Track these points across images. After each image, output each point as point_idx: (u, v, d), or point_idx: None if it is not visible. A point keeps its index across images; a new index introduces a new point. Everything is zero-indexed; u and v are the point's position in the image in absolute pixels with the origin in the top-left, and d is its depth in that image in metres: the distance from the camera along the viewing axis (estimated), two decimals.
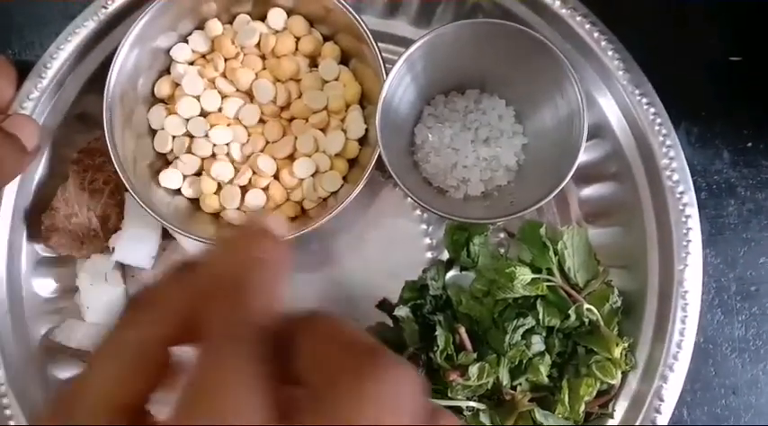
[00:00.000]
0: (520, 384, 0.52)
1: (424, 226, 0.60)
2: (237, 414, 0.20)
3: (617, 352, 0.51)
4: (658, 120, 0.53)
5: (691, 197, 0.52)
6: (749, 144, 0.59)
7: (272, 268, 0.24)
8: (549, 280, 0.54)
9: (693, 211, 0.52)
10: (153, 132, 0.56)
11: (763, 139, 0.59)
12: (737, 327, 0.58)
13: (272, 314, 0.23)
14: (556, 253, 0.55)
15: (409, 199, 0.59)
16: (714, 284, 0.58)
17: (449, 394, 0.52)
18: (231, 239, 0.26)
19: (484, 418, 0.51)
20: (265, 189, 0.54)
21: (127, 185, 0.51)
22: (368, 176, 0.51)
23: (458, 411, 0.52)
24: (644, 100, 0.53)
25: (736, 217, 0.59)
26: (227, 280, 0.23)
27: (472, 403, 0.51)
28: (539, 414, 0.51)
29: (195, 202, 0.56)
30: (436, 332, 0.53)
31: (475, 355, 0.52)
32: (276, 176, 0.54)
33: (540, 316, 0.53)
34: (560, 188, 0.49)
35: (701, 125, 0.59)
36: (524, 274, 0.53)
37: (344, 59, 0.57)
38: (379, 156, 0.50)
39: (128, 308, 0.25)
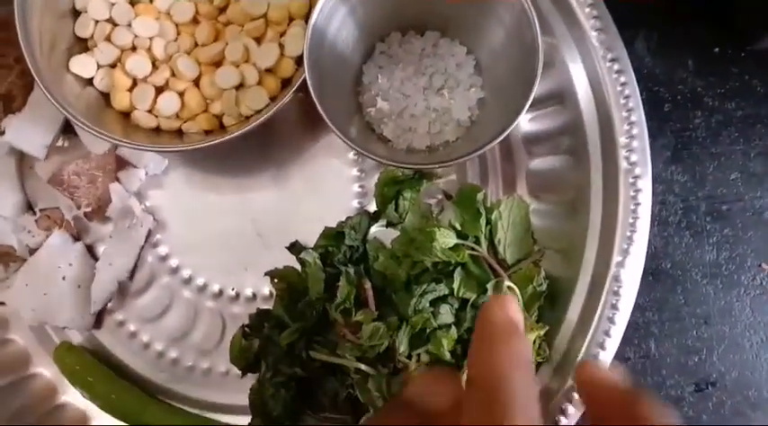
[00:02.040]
0: (419, 355, 0.47)
1: (357, 172, 0.54)
2: None
3: (530, 340, 0.46)
4: (626, 92, 0.47)
5: (646, 183, 0.46)
6: (716, 49, 0.53)
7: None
8: (473, 249, 0.48)
9: (646, 198, 0.46)
10: (76, 14, 0.50)
11: (730, 44, 0.53)
12: (708, 251, 0.53)
13: None
14: (488, 223, 0.50)
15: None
16: (681, 204, 0.53)
17: (336, 351, 0.46)
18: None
19: (372, 383, 0.46)
20: (182, 94, 0.49)
21: (30, 65, 0.46)
22: (292, 93, 0.45)
23: (344, 371, 0.47)
24: (615, 66, 0.47)
25: (703, 129, 0.53)
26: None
27: (361, 366, 0.46)
28: None
29: (107, 98, 0.50)
30: (340, 281, 0.48)
31: (375, 315, 0.47)
32: (197, 83, 0.49)
33: (456, 286, 0.47)
34: (504, 135, 0.43)
35: (662, 31, 0.53)
36: (447, 238, 0.47)
37: None
38: None
39: None
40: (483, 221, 0.49)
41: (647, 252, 0.47)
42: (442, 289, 0.47)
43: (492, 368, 0.27)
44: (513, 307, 0.30)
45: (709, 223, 0.53)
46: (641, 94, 0.47)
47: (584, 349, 0.46)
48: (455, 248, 0.48)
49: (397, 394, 0.30)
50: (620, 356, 0.51)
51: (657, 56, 0.53)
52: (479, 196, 0.49)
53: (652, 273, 0.53)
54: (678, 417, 0.27)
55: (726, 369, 0.52)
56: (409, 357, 0.47)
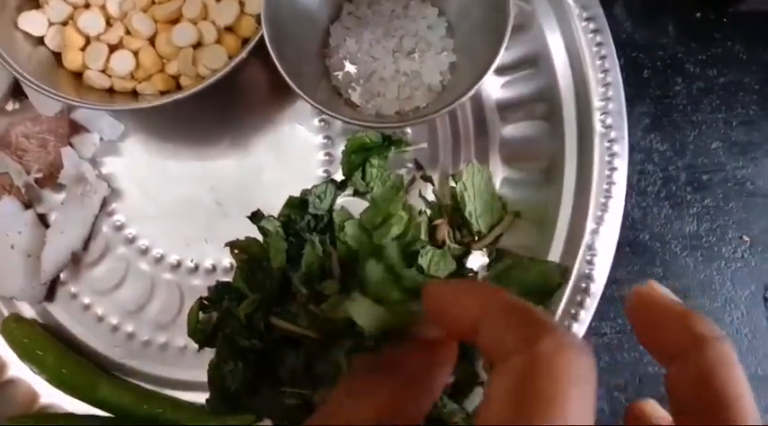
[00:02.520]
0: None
1: (323, 139, 0.52)
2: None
3: None
4: (602, 52, 0.45)
5: (622, 147, 0.44)
6: (697, 14, 0.52)
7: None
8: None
9: (622, 163, 0.44)
10: None
11: (712, 9, 0.51)
12: (688, 222, 0.51)
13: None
14: (455, 197, 0.48)
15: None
16: (661, 174, 0.51)
17: (298, 320, 0.44)
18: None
19: (332, 356, 0.44)
20: (136, 53, 0.46)
21: None
22: (249, 50, 0.43)
23: (303, 344, 0.45)
24: (591, 25, 0.45)
25: (684, 96, 0.51)
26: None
27: (318, 337, 0.44)
28: None
29: (59, 58, 0.48)
30: (305, 250, 0.46)
31: (339, 287, 0.45)
32: (152, 41, 0.46)
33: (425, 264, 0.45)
34: (474, 89, 0.41)
35: None
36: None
37: None
38: None
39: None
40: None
41: (625, 224, 0.45)
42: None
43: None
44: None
45: (689, 193, 0.51)
46: (620, 60, 0.45)
47: (556, 318, 0.44)
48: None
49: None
50: (596, 331, 0.49)
51: (637, 20, 0.51)
52: None
53: (630, 245, 0.51)
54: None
55: None
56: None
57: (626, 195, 0.45)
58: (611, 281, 0.45)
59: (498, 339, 0.22)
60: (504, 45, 0.41)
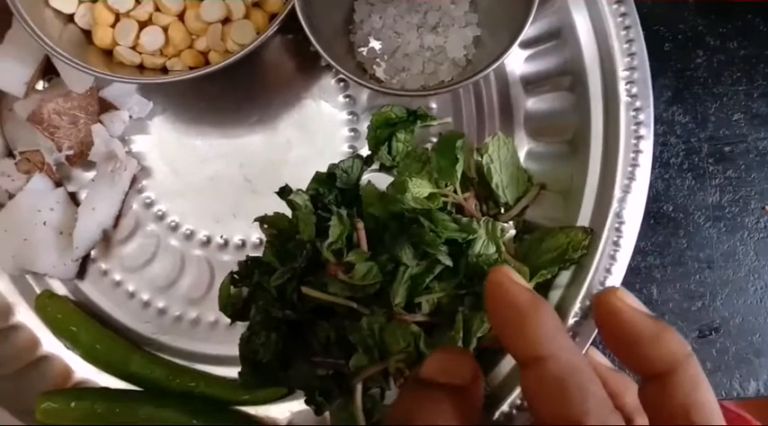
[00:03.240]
0: (419, 305, 0.45)
1: (348, 115, 0.52)
2: None
3: None
4: (626, 22, 0.45)
5: (648, 115, 0.45)
6: None
7: None
8: (446, 196, 0.46)
9: (648, 132, 0.45)
10: None
11: None
12: (711, 193, 0.51)
13: None
14: (480, 170, 0.48)
15: (336, 81, 0.53)
16: (683, 146, 0.51)
17: (329, 289, 0.45)
18: None
19: (364, 323, 0.44)
20: (166, 29, 0.47)
21: (7, 1, 0.44)
22: (278, 24, 0.44)
23: (335, 314, 0.45)
24: None
25: (705, 69, 0.51)
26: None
27: (354, 304, 0.44)
28: (423, 343, 0.44)
29: (89, 36, 0.48)
30: (331, 221, 0.46)
31: (368, 255, 0.45)
32: (181, 17, 0.47)
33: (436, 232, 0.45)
34: (500, 61, 0.42)
35: None
36: (420, 187, 0.46)
37: None
38: None
39: None
40: (459, 168, 0.47)
41: (649, 195, 0.45)
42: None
43: (540, 348, 0.25)
44: (515, 276, 0.30)
45: (711, 165, 0.51)
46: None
47: (585, 287, 0.44)
48: (431, 197, 0.46)
49: (414, 374, 0.29)
50: None
51: None
52: (459, 143, 0.47)
53: (654, 216, 0.51)
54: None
55: (729, 315, 0.51)
56: (407, 308, 0.45)
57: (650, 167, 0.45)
58: (636, 252, 0.45)
59: (543, 397, 0.25)
60: (531, 18, 0.41)
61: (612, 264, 0.44)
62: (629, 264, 0.45)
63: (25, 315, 0.51)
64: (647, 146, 0.45)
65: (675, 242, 0.51)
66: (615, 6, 0.46)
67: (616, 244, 0.44)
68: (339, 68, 0.43)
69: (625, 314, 0.28)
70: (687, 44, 0.52)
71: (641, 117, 0.45)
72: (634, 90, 0.45)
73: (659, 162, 0.51)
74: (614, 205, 0.45)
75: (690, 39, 0.52)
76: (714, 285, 0.51)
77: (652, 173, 0.46)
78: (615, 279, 0.45)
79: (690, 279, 0.51)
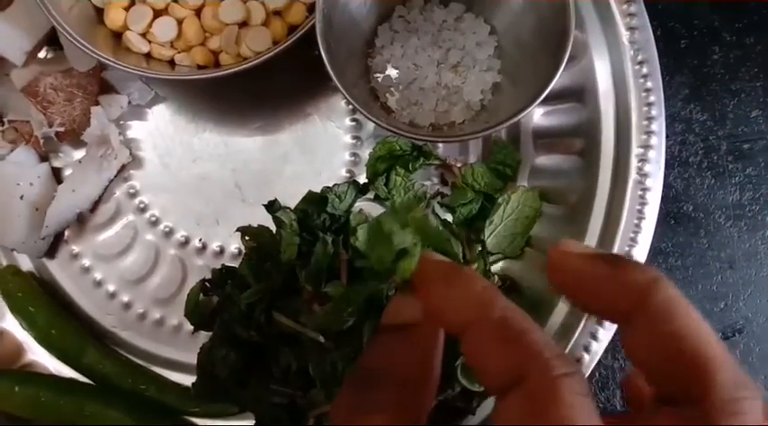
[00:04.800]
0: None
1: (352, 140, 0.51)
2: None
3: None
4: (651, 98, 0.44)
5: (654, 198, 0.43)
6: None
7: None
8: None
9: (651, 216, 0.43)
10: None
11: None
12: (731, 191, 0.50)
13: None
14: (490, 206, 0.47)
15: (345, 103, 0.51)
16: (702, 144, 0.51)
17: (300, 318, 0.43)
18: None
19: (330, 360, 0.43)
20: (181, 22, 0.45)
21: None
22: (296, 39, 0.42)
23: (300, 343, 0.44)
24: (641, 60, 0.45)
25: (722, 65, 0.51)
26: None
27: (322, 339, 0.43)
28: None
29: (101, 15, 0.47)
30: (315, 249, 0.45)
31: (343, 290, 0.44)
32: (198, 12, 0.45)
33: None
34: (516, 119, 0.41)
35: None
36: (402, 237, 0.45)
37: None
38: None
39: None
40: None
41: (668, 195, 0.45)
42: None
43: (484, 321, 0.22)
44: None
45: (731, 163, 0.51)
46: (657, 31, 0.45)
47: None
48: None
49: (356, 363, 0.27)
50: None
51: None
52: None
53: (674, 217, 0.50)
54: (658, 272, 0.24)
55: (753, 315, 0.50)
56: None
57: (668, 166, 0.44)
58: (657, 253, 0.45)
59: (484, 357, 0.22)
60: (558, 76, 0.40)
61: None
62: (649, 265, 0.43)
63: None
64: (649, 227, 0.44)
65: (696, 242, 0.51)
66: (641, 80, 0.44)
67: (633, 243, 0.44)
68: (349, 98, 0.42)
69: (571, 262, 0.25)
70: (703, 40, 0.51)
71: (648, 197, 0.44)
72: (646, 168, 0.44)
73: (678, 161, 0.51)
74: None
75: (706, 36, 0.51)
76: (736, 285, 0.50)
77: (671, 172, 0.46)
78: None
79: (712, 279, 0.50)
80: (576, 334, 0.43)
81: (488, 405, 0.44)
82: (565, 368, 0.21)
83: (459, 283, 0.24)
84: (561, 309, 0.44)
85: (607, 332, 0.42)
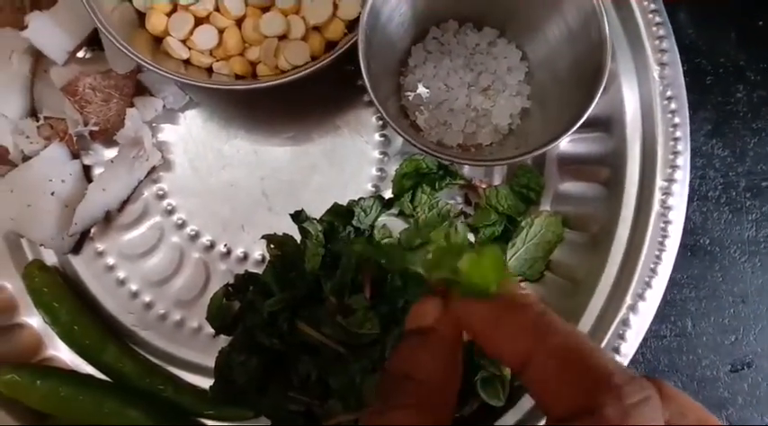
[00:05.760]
0: None
1: (380, 155, 0.52)
2: None
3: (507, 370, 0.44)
4: (677, 133, 0.45)
5: (677, 228, 0.44)
6: (760, 22, 0.52)
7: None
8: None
9: (673, 243, 0.44)
10: None
11: None
12: (747, 228, 0.52)
13: None
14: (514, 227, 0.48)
15: (376, 118, 0.52)
16: (721, 179, 0.52)
17: (321, 329, 0.44)
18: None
19: (350, 372, 0.44)
20: (222, 31, 0.46)
21: None
22: (335, 58, 0.43)
23: (321, 353, 0.44)
24: (668, 93, 0.45)
25: (745, 103, 0.52)
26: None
27: (343, 350, 0.44)
28: None
29: (142, 18, 0.47)
30: (341, 261, 0.45)
31: (368, 303, 0.45)
32: (239, 23, 0.46)
33: None
34: (546, 148, 0.41)
35: (705, 2, 0.52)
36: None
37: None
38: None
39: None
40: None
41: (686, 228, 0.45)
42: None
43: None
44: None
45: (748, 199, 0.52)
46: (683, 66, 0.46)
47: (621, 312, 0.44)
48: None
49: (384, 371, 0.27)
50: (656, 334, 0.50)
51: (700, 27, 0.52)
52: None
53: (690, 249, 0.52)
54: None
55: (762, 350, 0.51)
56: None
57: (687, 199, 0.45)
58: (672, 284, 0.45)
59: (553, 389, 0.22)
60: (592, 107, 0.41)
61: (646, 290, 0.45)
62: (665, 296, 0.45)
63: (9, 278, 0.50)
64: (669, 259, 0.45)
65: (711, 275, 0.52)
66: (669, 115, 0.45)
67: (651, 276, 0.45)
68: (384, 115, 0.43)
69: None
70: (728, 78, 0.52)
71: (670, 229, 0.45)
72: (670, 201, 0.45)
73: (697, 195, 0.52)
74: (622, 313, 0.44)
75: (731, 74, 0.53)
76: (748, 320, 0.51)
77: (689, 205, 0.46)
78: (650, 302, 0.45)
79: (724, 313, 0.51)
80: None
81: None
82: (639, 395, 0.20)
83: (510, 310, 0.24)
84: (584, 324, 0.45)
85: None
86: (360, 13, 0.46)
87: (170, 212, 0.51)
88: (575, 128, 0.41)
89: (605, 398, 0.20)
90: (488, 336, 0.24)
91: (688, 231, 0.48)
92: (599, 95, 0.41)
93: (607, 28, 0.40)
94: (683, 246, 0.45)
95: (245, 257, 0.51)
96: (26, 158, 0.48)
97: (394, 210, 0.51)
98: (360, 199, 0.50)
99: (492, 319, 0.24)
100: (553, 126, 0.45)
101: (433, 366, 0.26)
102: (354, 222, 0.49)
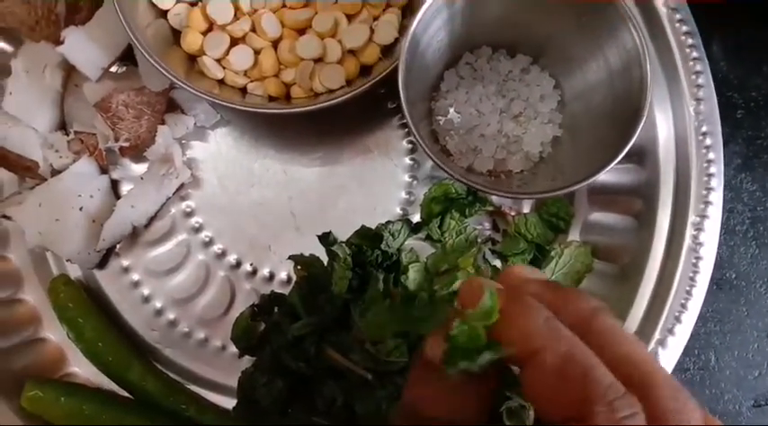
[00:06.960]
0: None
1: (409, 179, 0.52)
2: None
3: None
4: (711, 169, 0.45)
5: (707, 264, 0.44)
6: None
7: None
8: None
9: (704, 278, 0.44)
10: None
11: None
12: None
13: None
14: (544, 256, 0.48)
15: (406, 141, 0.52)
16: (749, 213, 0.52)
17: (350, 355, 0.44)
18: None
19: (377, 399, 0.43)
20: (258, 52, 0.46)
21: None
22: (370, 83, 0.43)
23: (347, 378, 0.44)
24: (704, 128, 0.45)
25: None
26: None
27: (370, 377, 0.43)
28: None
29: (177, 36, 0.47)
30: (369, 285, 0.45)
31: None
32: (275, 44, 0.46)
33: None
34: (584, 184, 0.41)
35: (737, 35, 0.52)
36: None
37: None
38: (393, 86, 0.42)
39: None
40: None
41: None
42: None
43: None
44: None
45: None
46: None
47: (650, 347, 0.44)
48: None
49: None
50: (679, 367, 0.50)
51: (732, 60, 0.53)
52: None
53: (716, 283, 0.52)
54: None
55: None
56: None
57: None
58: (697, 317, 0.45)
59: (546, 388, 0.23)
60: (626, 150, 0.40)
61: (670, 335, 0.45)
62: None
63: (33, 292, 0.50)
64: (699, 294, 0.45)
65: (736, 309, 0.52)
66: (704, 151, 0.45)
67: (683, 305, 0.45)
68: (421, 143, 0.42)
69: (531, 288, 0.26)
70: (759, 112, 0.53)
71: (701, 265, 0.45)
72: (701, 237, 0.45)
73: (725, 229, 0.52)
74: (651, 347, 0.44)
75: (762, 108, 0.53)
76: None
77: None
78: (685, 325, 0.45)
79: (748, 347, 0.52)
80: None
81: None
82: (628, 410, 0.22)
83: (530, 311, 0.24)
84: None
85: None
86: (395, 38, 0.47)
87: (197, 230, 0.50)
88: (609, 167, 0.40)
89: (597, 409, 0.22)
90: (506, 332, 0.24)
91: (715, 264, 0.48)
92: (635, 137, 0.40)
93: (649, 71, 0.40)
94: (710, 280, 0.45)
95: (271, 277, 0.51)
96: (55, 172, 0.48)
97: (421, 234, 0.50)
98: (388, 222, 0.49)
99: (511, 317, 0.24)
100: (585, 157, 0.45)
101: (452, 400, 0.26)
102: (383, 246, 0.49)
